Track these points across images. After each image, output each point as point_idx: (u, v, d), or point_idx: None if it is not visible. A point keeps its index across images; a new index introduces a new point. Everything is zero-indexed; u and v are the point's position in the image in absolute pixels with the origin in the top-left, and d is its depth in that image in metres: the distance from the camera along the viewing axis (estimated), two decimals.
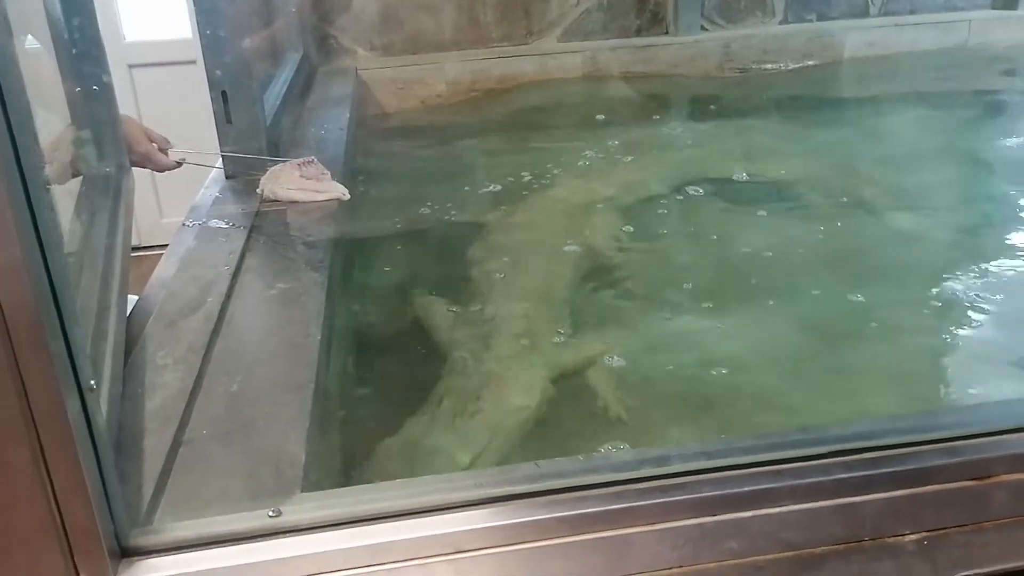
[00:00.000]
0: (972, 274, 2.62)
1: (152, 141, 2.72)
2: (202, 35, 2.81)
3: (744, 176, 3.46)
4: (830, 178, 3.52)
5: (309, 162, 2.80)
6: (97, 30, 2.36)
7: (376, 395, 2.18)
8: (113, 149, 2.43)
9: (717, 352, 2.24)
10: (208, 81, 2.85)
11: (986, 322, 2.37)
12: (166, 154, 2.77)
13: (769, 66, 5.20)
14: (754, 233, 2.97)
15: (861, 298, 2.46)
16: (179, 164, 2.82)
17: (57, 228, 1.09)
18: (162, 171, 2.82)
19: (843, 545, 1.33)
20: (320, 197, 2.76)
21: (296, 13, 4.59)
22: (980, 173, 3.70)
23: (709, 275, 2.71)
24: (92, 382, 1.13)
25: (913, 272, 2.72)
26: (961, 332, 2.33)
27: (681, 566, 1.29)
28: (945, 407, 2.03)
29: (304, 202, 2.75)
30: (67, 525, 1.12)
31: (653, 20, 5.20)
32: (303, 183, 2.77)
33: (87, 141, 2.35)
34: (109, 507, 1.17)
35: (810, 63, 5.24)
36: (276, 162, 2.87)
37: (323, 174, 2.82)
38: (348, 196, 2.79)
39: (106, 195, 2.29)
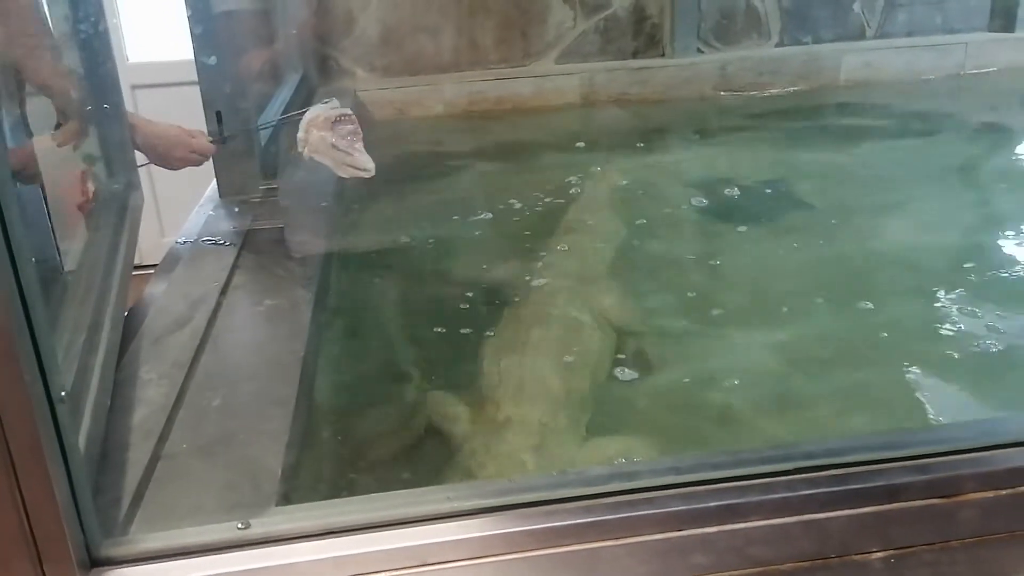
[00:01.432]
0: None
1: (192, 137, 2.81)
2: (197, 56, 2.85)
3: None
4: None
5: (342, 118, 2.59)
6: (111, 52, 2.43)
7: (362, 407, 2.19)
8: (122, 168, 2.48)
9: None
10: (203, 101, 2.89)
11: None
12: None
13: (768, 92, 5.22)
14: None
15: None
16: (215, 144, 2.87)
17: (27, 240, 1.11)
18: (206, 157, 2.89)
19: (810, 562, 1.34)
20: (342, 173, 2.59)
21: (296, 35, 4.63)
22: None
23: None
24: (63, 392, 1.15)
25: None
26: None
27: None
28: (913, 425, 2.03)
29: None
30: (36, 534, 1.13)
31: (650, 42, 5.23)
32: (332, 151, 2.57)
33: (98, 159, 2.40)
34: (79, 517, 1.19)
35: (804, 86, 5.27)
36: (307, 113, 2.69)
37: (355, 136, 2.59)
38: (371, 174, 2.58)
39: (111, 211, 2.33)
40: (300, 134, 2.59)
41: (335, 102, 2.65)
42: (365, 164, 2.56)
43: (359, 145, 2.57)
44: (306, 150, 2.58)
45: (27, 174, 1.87)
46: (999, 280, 2.72)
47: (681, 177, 3.90)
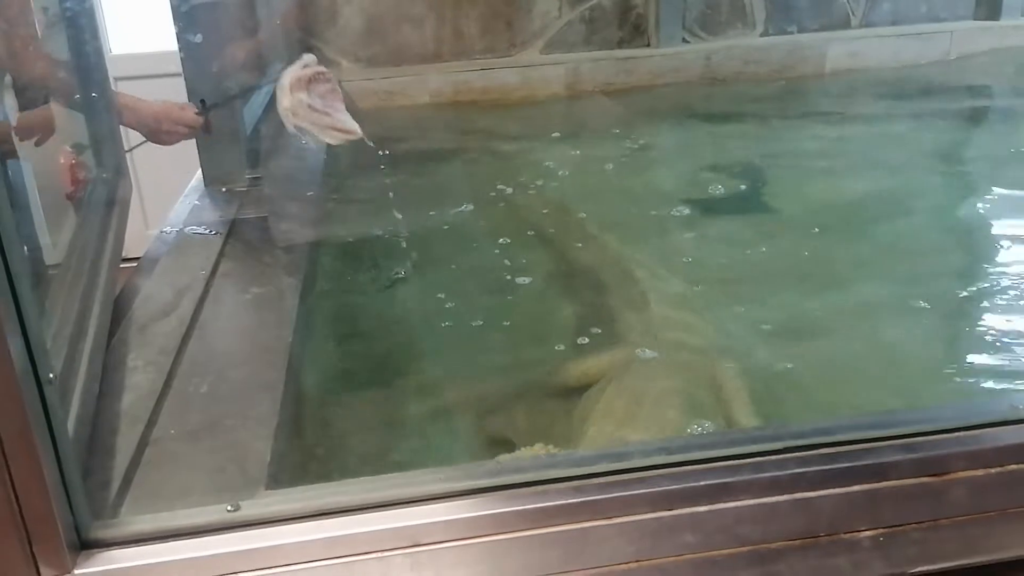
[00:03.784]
0: None
1: (181, 109, 2.86)
2: (180, 44, 2.84)
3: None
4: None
5: (318, 76, 2.40)
6: (98, 41, 2.44)
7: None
8: (111, 156, 2.48)
9: None
10: (187, 90, 2.88)
11: None
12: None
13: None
14: None
15: None
16: (201, 116, 2.89)
17: (14, 222, 1.10)
18: (195, 130, 2.92)
19: (800, 540, 1.34)
20: (328, 138, 2.40)
21: (281, 25, 4.61)
22: None
23: None
24: (51, 375, 1.14)
25: None
26: None
27: (639, 560, 1.30)
28: (903, 405, 2.04)
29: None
30: (26, 515, 1.13)
31: (635, 32, 5.23)
32: (311, 114, 2.37)
33: (86, 147, 2.41)
34: (69, 499, 1.18)
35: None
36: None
37: (333, 95, 2.41)
38: (359, 136, 2.39)
39: (100, 199, 2.33)
40: (280, 104, 2.41)
41: (310, 58, 2.55)
42: (349, 126, 2.40)
43: (339, 104, 2.42)
44: (290, 119, 2.39)
45: (3, 150, 1.87)
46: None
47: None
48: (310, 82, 2.38)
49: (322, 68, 2.43)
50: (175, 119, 2.79)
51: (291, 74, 2.43)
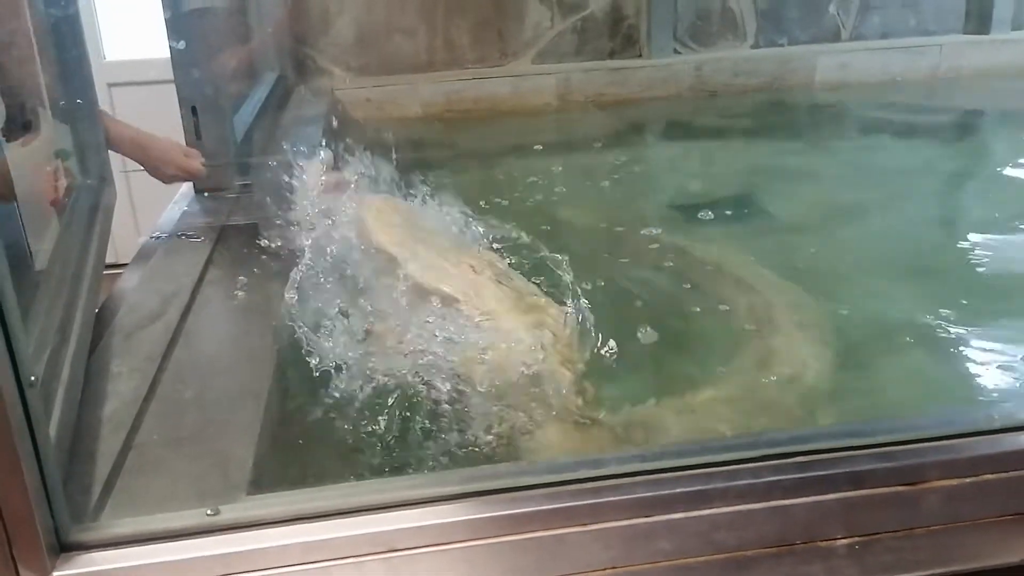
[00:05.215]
0: None
1: (187, 156, 2.87)
2: (172, 51, 2.85)
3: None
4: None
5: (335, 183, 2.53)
6: (84, 48, 2.44)
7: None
8: (96, 163, 2.49)
9: None
10: (178, 97, 2.89)
11: None
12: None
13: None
14: None
15: None
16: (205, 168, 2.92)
17: None
18: (197, 178, 2.95)
19: (774, 548, 1.35)
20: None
21: (273, 33, 4.63)
22: None
23: None
24: (32, 378, 1.15)
25: None
26: None
27: (614, 567, 1.31)
28: (878, 414, 2.05)
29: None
30: (5, 517, 1.14)
31: (627, 43, 5.25)
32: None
33: (71, 154, 2.41)
34: (48, 501, 1.19)
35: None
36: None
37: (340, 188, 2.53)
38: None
39: (84, 206, 2.34)
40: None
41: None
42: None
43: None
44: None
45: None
46: None
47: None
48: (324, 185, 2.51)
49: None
50: (179, 165, 2.81)
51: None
